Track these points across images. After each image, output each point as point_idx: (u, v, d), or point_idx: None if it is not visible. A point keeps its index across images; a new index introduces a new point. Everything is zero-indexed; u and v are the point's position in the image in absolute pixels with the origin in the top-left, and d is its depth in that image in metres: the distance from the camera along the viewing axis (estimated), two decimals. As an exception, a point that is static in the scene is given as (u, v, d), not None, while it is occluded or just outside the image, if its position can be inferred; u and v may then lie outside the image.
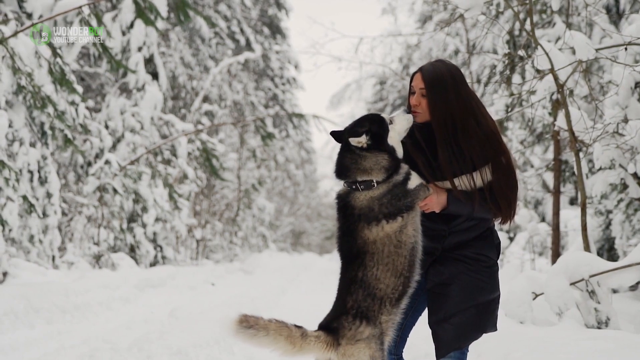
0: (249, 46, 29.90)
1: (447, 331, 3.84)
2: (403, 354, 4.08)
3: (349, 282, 3.75)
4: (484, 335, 4.02)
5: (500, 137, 3.84)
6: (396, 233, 3.74)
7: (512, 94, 9.91)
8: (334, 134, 3.85)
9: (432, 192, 3.83)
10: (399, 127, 3.81)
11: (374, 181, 3.77)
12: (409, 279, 3.78)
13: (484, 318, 3.86)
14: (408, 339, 4.08)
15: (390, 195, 3.75)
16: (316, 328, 3.75)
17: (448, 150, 3.80)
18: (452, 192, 3.80)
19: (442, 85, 3.78)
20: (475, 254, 3.87)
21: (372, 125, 3.77)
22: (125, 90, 17.00)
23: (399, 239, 3.74)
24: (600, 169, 8.48)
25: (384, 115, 3.83)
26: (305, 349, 3.64)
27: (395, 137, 3.80)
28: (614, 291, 9.69)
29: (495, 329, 3.96)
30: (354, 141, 3.76)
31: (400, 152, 3.82)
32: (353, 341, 3.66)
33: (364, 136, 3.75)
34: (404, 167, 3.84)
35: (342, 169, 3.84)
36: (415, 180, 3.84)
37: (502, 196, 3.81)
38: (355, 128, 3.79)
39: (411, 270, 3.78)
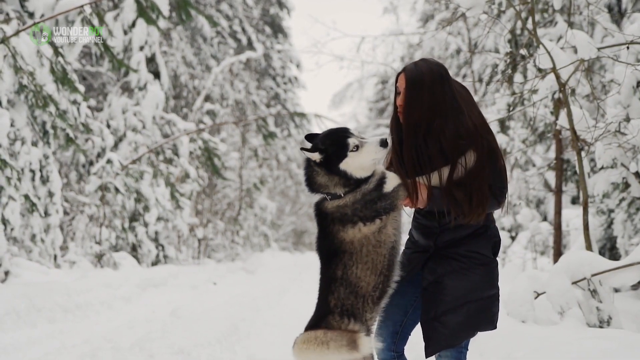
0: (250, 45, 29.90)
1: (436, 330, 3.83)
2: (406, 353, 4.08)
3: (329, 280, 3.77)
4: (486, 334, 4.01)
5: (474, 137, 3.76)
6: (375, 234, 3.74)
7: (514, 93, 9.91)
8: (308, 137, 3.90)
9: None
10: (361, 159, 3.74)
11: (339, 192, 3.78)
12: (388, 278, 3.79)
13: (477, 316, 3.84)
14: (411, 337, 4.07)
15: (364, 201, 3.75)
16: (302, 331, 3.77)
17: (412, 151, 3.79)
18: (434, 190, 3.79)
19: (419, 85, 3.75)
20: (468, 251, 3.85)
21: (330, 147, 3.76)
22: (127, 89, 17.01)
23: (378, 239, 3.75)
24: (602, 168, 8.47)
25: (351, 140, 3.75)
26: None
27: (354, 164, 3.74)
28: (616, 290, 9.68)
29: (494, 327, 3.92)
30: (307, 154, 3.79)
31: (360, 174, 3.76)
32: None
33: (317, 154, 3.76)
34: (376, 174, 3.82)
35: (307, 181, 3.87)
36: (392, 182, 3.82)
37: (448, 193, 3.76)
38: (317, 142, 3.81)
39: (390, 270, 3.79)
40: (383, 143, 3.75)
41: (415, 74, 3.78)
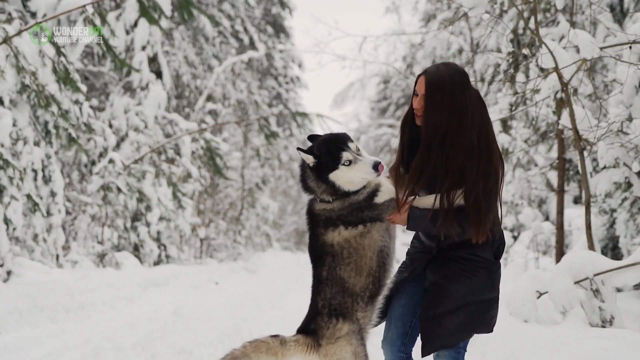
0: (252, 45, 29.89)
1: (433, 330, 3.84)
2: (413, 353, 4.09)
3: (317, 282, 3.86)
4: (488, 334, 4.01)
5: (471, 155, 3.72)
6: (356, 237, 3.78)
7: (516, 93, 9.89)
8: (310, 138, 3.92)
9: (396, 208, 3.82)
10: (352, 174, 3.75)
11: (327, 199, 3.82)
12: (379, 280, 3.83)
13: (475, 319, 3.85)
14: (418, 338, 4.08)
15: (351, 208, 3.79)
16: (294, 333, 3.81)
17: (423, 157, 3.78)
18: (413, 210, 3.78)
19: (440, 93, 3.72)
20: (470, 254, 3.84)
21: (324, 156, 3.76)
22: (129, 89, 17.01)
23: (360, 242, 3.78)
24: (604, 167, 8.46)
25: (345, 154, 3.74)
26: (287, 355, 3.69)
27: (344, 178, 3.75)
28: (618, 290, 9.67)
29: (490, 331, 3.93)
30: (302, 155, 3.80)
31: (348, 188, 3.78)
32: (333, 339, 3.70)
33: (311, 157, 3.77)
34: (369, 186, 3.84)
35: (300, 181, 3.93)
36: (384, 196, 3.84)
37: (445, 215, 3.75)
38: (313, 146, 3.83)
39: (381, 271, 3.83)
40: (376, 167, 3.74)
41: (436, 80, 3.76)
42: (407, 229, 3.86)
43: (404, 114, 4.02)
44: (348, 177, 3.76)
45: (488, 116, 3.86)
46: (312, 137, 3.93)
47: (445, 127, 3.72)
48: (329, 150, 3.77)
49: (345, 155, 3.74)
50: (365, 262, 3.78)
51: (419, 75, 3.86)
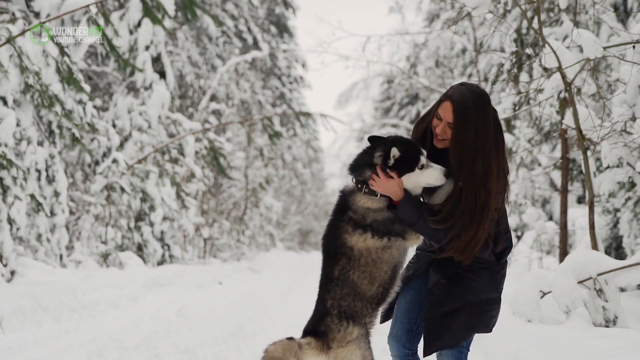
0: (256, 45, 29.93)
1: (435, 331, 3.87)
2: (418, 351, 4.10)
3: (327, 279, 3.82)
4: (492, 334, 4.02)
5: (491, 181, 3.73)
6: (378, 250, 3.77)
7: (519, 93, 9.88)
8: (371, 139, 3.90)
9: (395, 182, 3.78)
10: (421, 178, 3.77)
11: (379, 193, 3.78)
12: (387, 290, 3.85)
13: (475, 319, 3.87)
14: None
15: (387, 215, 3.78)
16: (303, 334, 3.78)
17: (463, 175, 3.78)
18: (409, 196, 3.78)
19: (467, 125, 3.72)
20: None
21: (404, 155, 3.74)
22: (132, 89, 17.03)
23: (380, 256, 3.78)
24: (608, 167, 8.45)
25: (422, 158, 3.76)
26: (303, 358, 3.66)
27: (413, 180, 3.76)
28: (622, 289, 9.66)
29: (488, 331, 3.96)
30: (392, 148, 3.75)
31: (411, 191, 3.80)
32: (344, 343, 3.69)
33: (397, 152, 3.73)
34: None
35: (356, 166, 3.86)
36: None
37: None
38: (382, 144, 3.80)
39: (391, 284, 3.85)
40: (447, 174, 3.76)
41: (463, 111, 3.74)
42: (395, 210, 3.80)
43: (418, 130, 4.04)
44: (416, 181, 3.77)
45: (503, 137, 3.86)
46: (373, 138, 3.91)
47: (470, 153, 3.72)
48: (409, 151, 3.76)
49: (422, 160, 3.76)
50: (380, 275, 3.79)
51: (443, 100, 3.83)
